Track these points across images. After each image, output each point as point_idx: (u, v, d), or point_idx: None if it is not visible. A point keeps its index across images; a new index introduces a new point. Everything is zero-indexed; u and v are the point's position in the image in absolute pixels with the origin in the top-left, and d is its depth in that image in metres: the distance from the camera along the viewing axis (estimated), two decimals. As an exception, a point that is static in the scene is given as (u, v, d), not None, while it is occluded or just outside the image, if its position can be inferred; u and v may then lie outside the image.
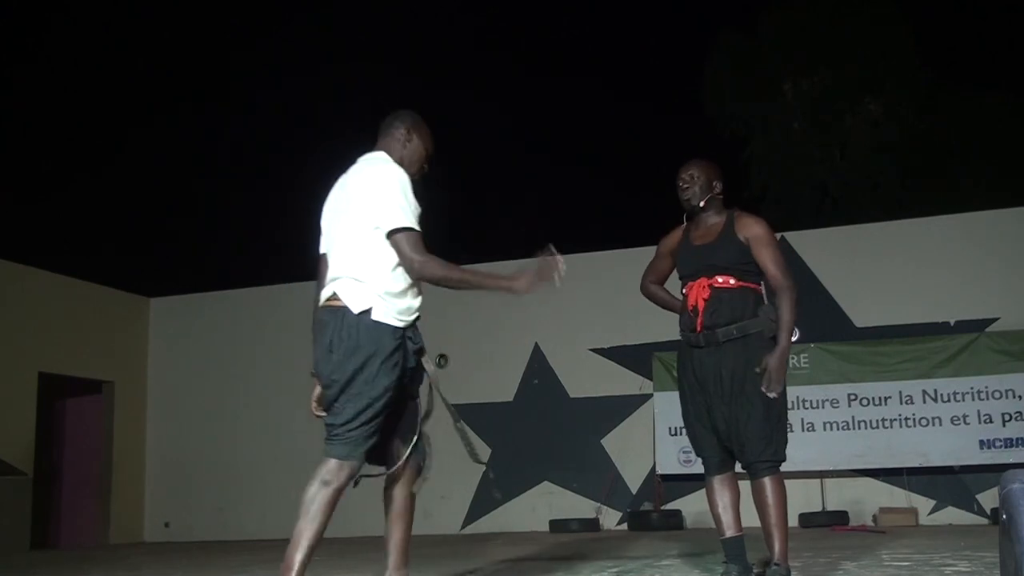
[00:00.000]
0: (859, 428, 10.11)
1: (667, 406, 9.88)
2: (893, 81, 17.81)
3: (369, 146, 3.92)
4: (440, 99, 23.63)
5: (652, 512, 10.26)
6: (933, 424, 9.91)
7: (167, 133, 22.80)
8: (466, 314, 11.64)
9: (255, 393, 12.42)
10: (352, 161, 3.90)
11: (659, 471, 10.39)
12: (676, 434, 9.76)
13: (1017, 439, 9.69)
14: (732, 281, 4.18)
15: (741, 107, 18.62)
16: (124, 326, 12.67)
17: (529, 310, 11.21)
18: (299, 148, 23.17)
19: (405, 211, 3.55)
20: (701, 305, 4.19)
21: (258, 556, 8.37)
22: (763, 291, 4.26)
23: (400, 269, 3.61)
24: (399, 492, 3.98)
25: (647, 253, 4.71)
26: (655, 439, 10.41)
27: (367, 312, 3.56)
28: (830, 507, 10.03)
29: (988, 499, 9.48)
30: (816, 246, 10.78)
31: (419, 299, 3.73)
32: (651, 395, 10.63)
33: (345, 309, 3.59)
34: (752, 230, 4.26)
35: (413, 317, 3.71)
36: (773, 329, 4.15)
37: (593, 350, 11.00)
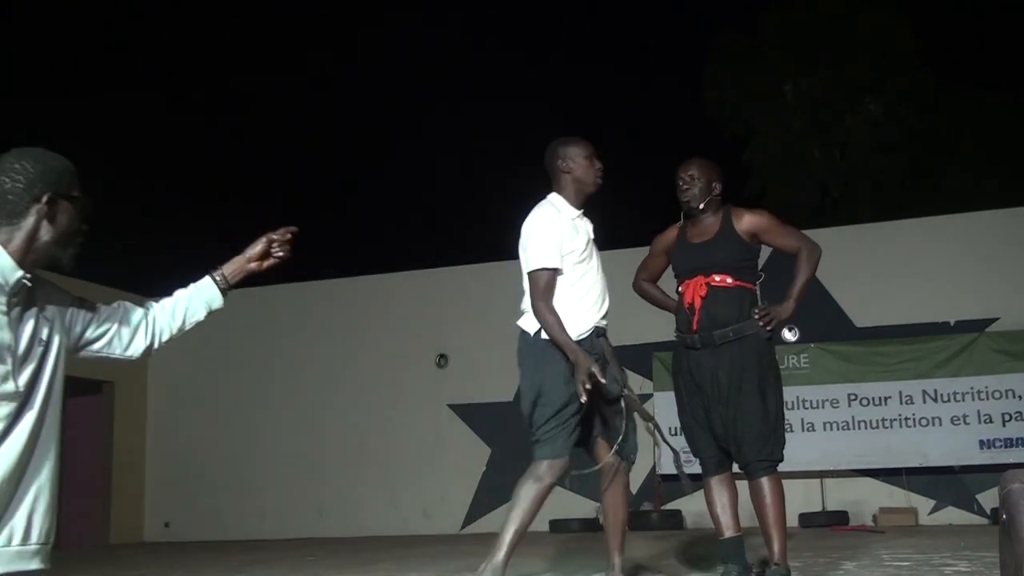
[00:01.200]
0: (859, 428, 10.11)
1: (667, 406, 9.75)
2: (893, 81, 17.81)
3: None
4: (436, 99, 23.65)
5: (652, 512, 10.25)
6: (933, 424, 9.91)
7: (166, 131, 22.80)
8: (465, 314, 11.65)
9: (255, 393, 12.42)
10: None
11: (659, 471, 10.37)
12: (676, 434, 9.71)
13: (1017, 439, 9.69)
14: (729, 280, 4.17)
15: (741, 107, 18.62)
16: (124, 326, 12.67)
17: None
18: (295, 145, 23.16)
19: (535, 255, 4.13)
20: (698, 303, 4.17)
21: (257, 556, 8.37)
22: (757, 291, 4.26)
23: (561, 293, 4.13)
24: (612, 484, 4.31)
25: (645, 253, 4.70)
26: (655, 439, 10.39)
27: (538, 332, 4.13)
28: (830, 507, 10.03)
29: (988, 499, 9.48)
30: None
31: (589, 315, 4.16)
32: (651, 395, 10.63)
33: (525, 334, 4.22)
34: (753, 221, 4.25)
35: (583, 333, 4.11)
36: (768, 331, 4.15)
37: (593, 350, 11.00)
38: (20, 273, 2.19)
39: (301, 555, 8.24)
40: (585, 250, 4.17)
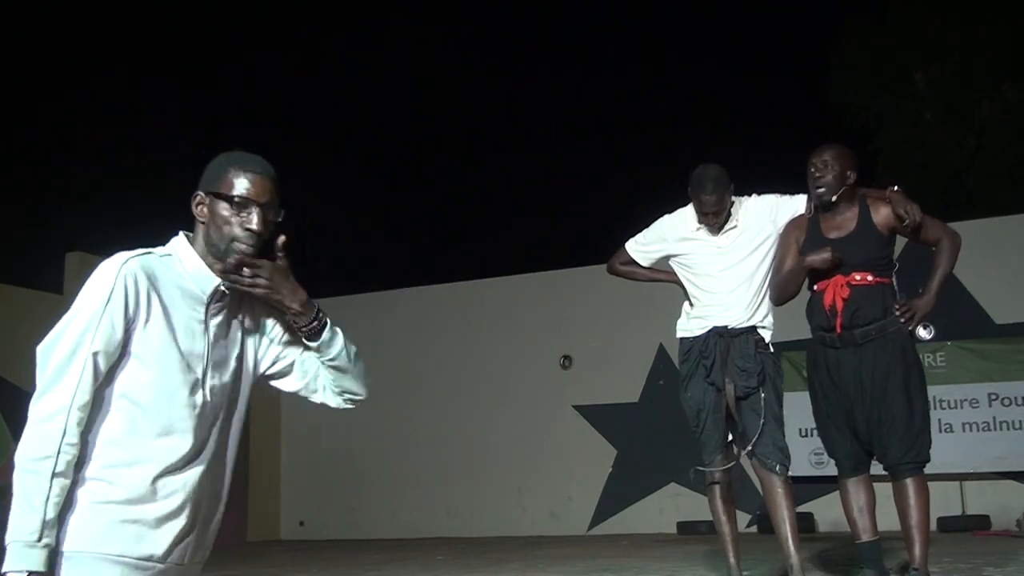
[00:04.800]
0: (1000, 429, 9.72)
1: (796, 407, 9.61)
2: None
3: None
4: (562, 99, 23.66)
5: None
6: (1081, 424, 9.47)
7: (302, 138, 23.41)
8: (590, 316, 11.64)
9: (385, 396, 12.65)
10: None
11: (788, 473, 10.19)
12: (807, 435, 9.53)
13: None
14: (870, 278, 4.03)
15: (869, 97, 18.11)
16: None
17: (653, 310, 11.12)
18: (421, 144, 23.52)
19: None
20: (840, 305, 4.02)
21: (388, 555, 8.53)
22: (895, 284, 4.13)
23: (683, 281, 4.58)
24: (763, 482, 4.46)
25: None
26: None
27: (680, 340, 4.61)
28: (970, 511, 9.68)
29: None
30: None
31: (697, 316, 4.48)
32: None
33: None
34: (892, 213, 4.05)
35: (693, 332, 4.46)
36: (910, 327, 4.03)
37: (719, 350, 10.86)
38: (217, 282, 2.15)
39: (431, 554, 8.38)
40: (695, 258, 4.47)
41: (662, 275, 4.69)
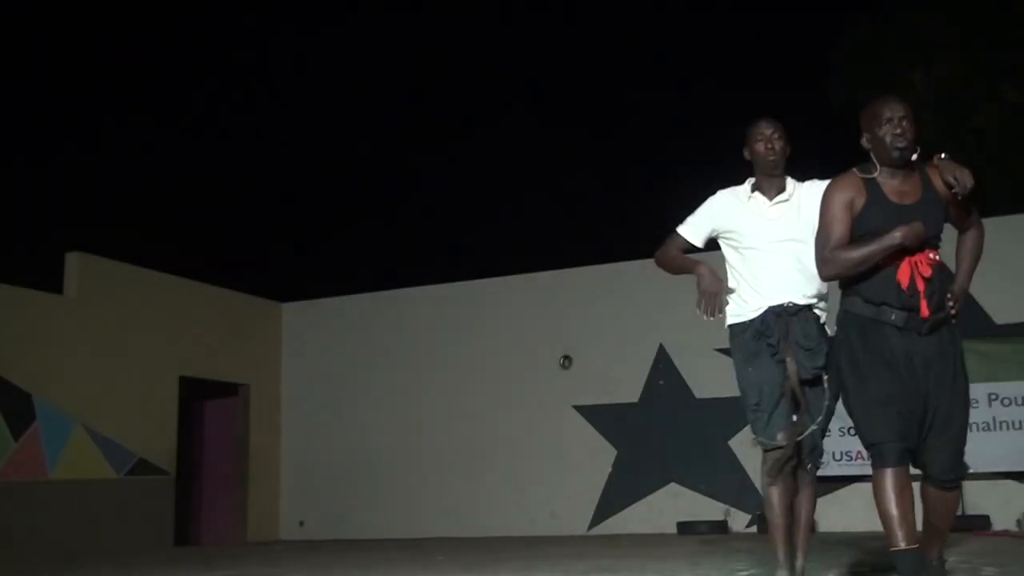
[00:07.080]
0: (1001, 429, 9.72)
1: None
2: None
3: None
4: (568, 94, 23.56)
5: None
6: (1082, 424, 9.47)
7: (290, 136, 23.42)
8: (590, 315, 11.65)
9: (385, 396, 12.66)
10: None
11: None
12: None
13: None
14: (938, 257, 3.57)
15: (869, 97, 18.08)
16: (258, 331, 13.09)
17: (653, 310, 11.12)
18: (424, 145, 23.50)
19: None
20: (922, 285, 3.47)
21: (388, 555, 8.53)
22: None
23: (732, 274, 4.22)
24: (799, 477, 4.16)
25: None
26: (785, 440, 10.20)
27: (730, 327, 4.23)
28: (970, 511, 9.67)
29: None
30: (953, 240, 10.36)
31: (758, 296, 4.10)
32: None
33: None
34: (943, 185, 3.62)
35: (749, 315, 4.10)
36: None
37: (719, 350, 10.84)
38: None
39: (431, 554, 8.37)
40: (743, 228, 4.17)
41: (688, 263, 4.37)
